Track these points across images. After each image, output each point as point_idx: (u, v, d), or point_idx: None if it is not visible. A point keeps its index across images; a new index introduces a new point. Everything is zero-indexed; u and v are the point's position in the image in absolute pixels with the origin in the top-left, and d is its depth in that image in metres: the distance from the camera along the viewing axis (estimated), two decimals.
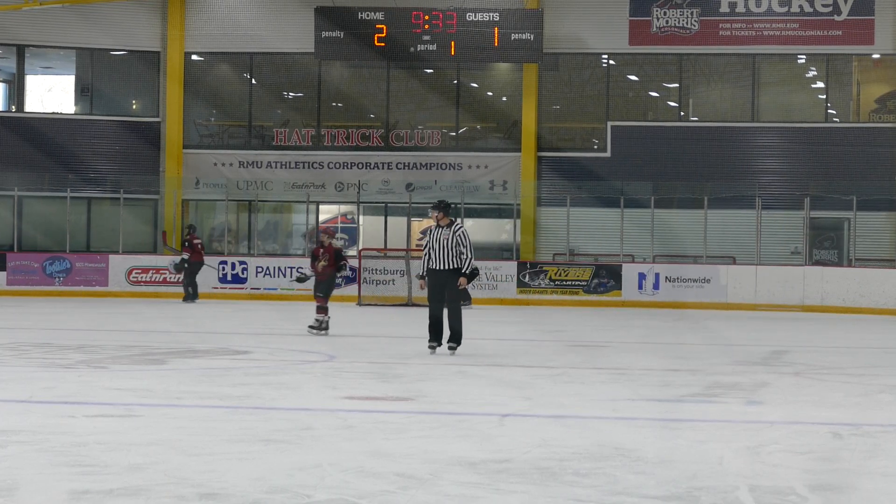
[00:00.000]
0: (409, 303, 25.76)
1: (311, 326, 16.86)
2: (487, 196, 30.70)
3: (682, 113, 31.19)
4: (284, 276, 28.28)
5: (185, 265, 26.33)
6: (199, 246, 26.89)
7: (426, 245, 14.00)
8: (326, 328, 16.82)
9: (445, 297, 13.85)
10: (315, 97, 31.94)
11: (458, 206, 30.21)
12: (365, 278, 27.06)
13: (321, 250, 17.13)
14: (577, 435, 8.05)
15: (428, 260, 13.94)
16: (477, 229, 31.51)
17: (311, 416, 8.88)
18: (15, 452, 6.98)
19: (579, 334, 19.09)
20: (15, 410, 8.96)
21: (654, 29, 30.31)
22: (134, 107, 33.17)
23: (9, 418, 8.38)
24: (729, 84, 31.65)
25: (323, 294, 17.00)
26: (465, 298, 25.22)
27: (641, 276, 27.66)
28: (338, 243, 17.58)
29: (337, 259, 17.11)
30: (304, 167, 31.29)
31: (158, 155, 31.71)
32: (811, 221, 28.69)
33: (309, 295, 27.65)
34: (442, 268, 13.83)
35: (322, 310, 16.88)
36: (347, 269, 17.90)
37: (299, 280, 18.62)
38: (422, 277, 14.24)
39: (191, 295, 26.36)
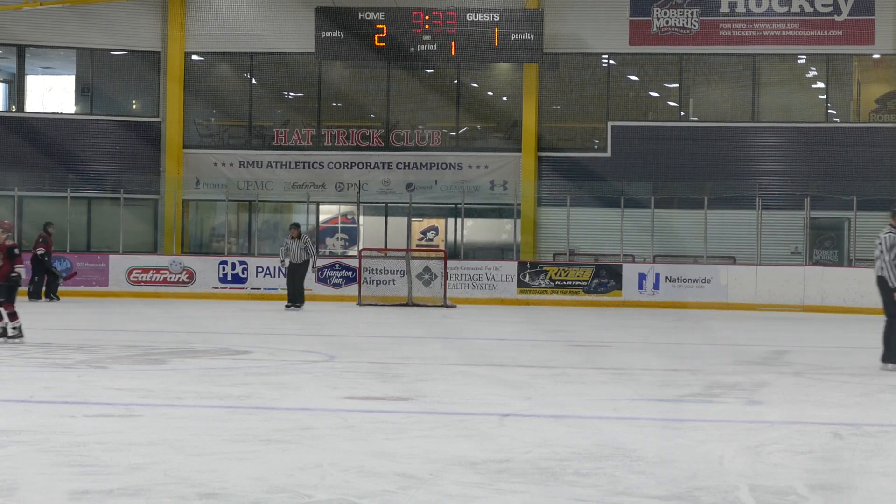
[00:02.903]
0: (410, 303, 25.75)
1: (9, 337, 14.62)
2: (488, 196, 30.69)
3: (682, 113, 31.17)
4: (285, 276, 28.24)
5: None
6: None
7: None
8: (21, 335, 14.70)
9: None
10: (315, 97, 31.92)
11: (459, 206, 30.21)
12: (365, 278, 27.06)
13: None
14: (577, 435, 8.05)
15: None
16: (477, 229, 31.53)
17: (312, 415, 8.88)
18: (15, 452, 6.98)
19: (579, 334, 19.07)
20: (15, 410, 8.96)
21: (655, 29, 30.30)
22: (134, 107, 33.16)
23: (9, 418, 8.38)
24: (729, 84, 31.63)
25: (6, 298, 14.75)
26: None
27: (642, 276, 27.65)
28: (10, 239, 15.23)
29: (10, 257, 14.89)
30: (304, 167, 31.28)
31: (158, 155, 31.70)
32: (811, 221, 28.69)
33: (306, 294, 27.93)
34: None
35: (14, 315, 14.75)
36: (24, 272, 15.11)
37: None
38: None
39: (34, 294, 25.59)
